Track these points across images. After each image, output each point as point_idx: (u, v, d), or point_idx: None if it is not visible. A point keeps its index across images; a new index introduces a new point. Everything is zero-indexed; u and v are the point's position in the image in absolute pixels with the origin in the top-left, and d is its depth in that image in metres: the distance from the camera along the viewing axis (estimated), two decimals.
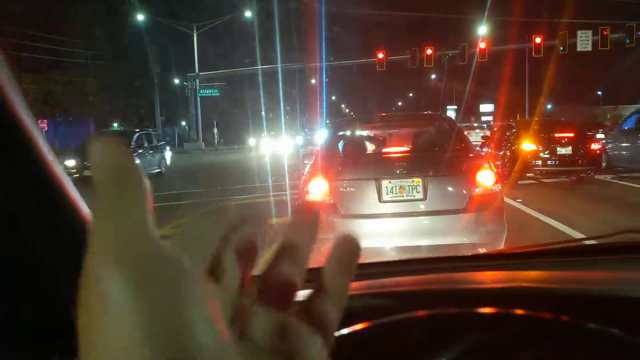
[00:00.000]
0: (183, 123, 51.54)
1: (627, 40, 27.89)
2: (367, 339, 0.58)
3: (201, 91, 39.77)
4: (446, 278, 1.04)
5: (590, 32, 28.22)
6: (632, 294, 0.82)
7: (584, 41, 28.19)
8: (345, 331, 0.57)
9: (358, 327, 0.58)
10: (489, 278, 1.07)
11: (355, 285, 1.01)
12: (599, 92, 69.99)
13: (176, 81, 43.20)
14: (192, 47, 39.23)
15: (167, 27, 39.12)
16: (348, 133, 5.82)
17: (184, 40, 39.66)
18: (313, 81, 38.17)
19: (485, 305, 0.62)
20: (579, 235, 5.61)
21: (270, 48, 41.73)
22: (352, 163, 5.04)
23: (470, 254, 1.33)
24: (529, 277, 1.10)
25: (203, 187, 13.49)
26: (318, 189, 4.57)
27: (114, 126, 50.97)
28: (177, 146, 45.33)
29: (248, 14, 38.49)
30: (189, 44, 39.39)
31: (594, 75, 56.15)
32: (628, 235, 1.34)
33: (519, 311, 0.59)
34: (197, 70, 39.52)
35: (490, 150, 14.03)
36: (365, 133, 6.09)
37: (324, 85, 36.38)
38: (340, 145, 5.70)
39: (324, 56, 31.42)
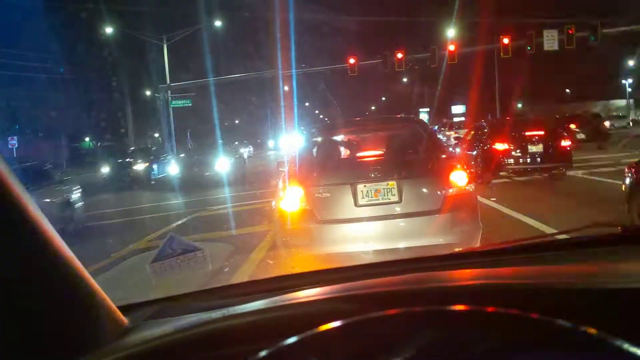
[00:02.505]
0: (156, 135, 51.03)
1: (592, 38, 28.49)
2: (332, 340, 0.58)
3: (173, 102, 39.42)
4: (419, 278, 1.05)
5: (556, 32, 28.74)
6: (598, 286, 0.84)
7: (550, 40, 28.71)
8: (312, 333, 0.58)
9: (323, 328, 0.58)
10: (461, 276, 1.09)
11: (327, 289, 1.01)
12: (567, 90, 71.45)
13: (147, 93, 42.81)
14: (163, 58, 38.92)
15: (136, 39, 38.75)
16: (322, 138, 5.83)
17: (155, 52, 39.34)
18: (286, 88, 38.16)
19: (453, 303, 0.62)
20: (551, 231, 5.70)
21: (241, 57, 41.61)
22: (327, 168, 5.05)
23: (444, 253, 1.34)
24: (500, 273, 1.12)
25: None
26: (294, 196, 4.57)
27: (85, 141, 50.34)
28: None
29: (218, 23, 38.35)
30: (160, 55, 39.08)
31: (562, 73, 57.25)
32: (594, 229, 1.37)
33: (489, 308, 0.60)
34: (168, 81, 39.19)
35: (463, 151, 14.20)
36: (339, 138, 6.10)
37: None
38: (315, 150, 5.71)
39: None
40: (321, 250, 4.48)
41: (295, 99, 34.67)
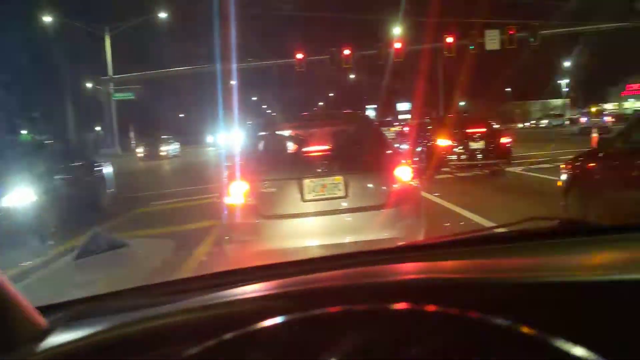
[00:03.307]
0: (98, 128, 49.56)
1: (532, 39, 29.59)
2: (262, 339, 0.57)
3: (115, 95, 38.31)
4: (361, 272, 1.04)
5: (497, 32, 29.68)
6: (537, 280, 0.86)
7: (492, 40, 29.63)
8: (238, 333, 0.56)
9: (253, 328, 0.56)
10: (402, 270, 1.09)
11: (264, 285, 0.99)
12: (508, 89, 73.92)
13: (89, 85, 41.47)
14: (106, 50, 37.75)
15: (79, 30, 37.46)
16: (268, 133, 5.79)
17: (98, 43, 38.14)
18: (233, 82, 37.70)
19: (393, 299, 0.62)
20: (492, 225, 5.87)
21: (187, 50, 40.89)
22: (274, 163, 5.02)
23: (386, 247, 1.35)
24: (440, 267, 1.13)
25: None
26: (238, 191, 4.52)
27: (22, 133, 48.17)
28: None
29: (163, 15, 37.47)
30: (103, 46, 37.90)
31: (503, 72, 59.05)
32: (531, 222, 1.42)
33: (428, 307, 0.59)
34: (110, 73, 38.06)
35: (408, 147, 14.47)
36: (286, 133, 6.08)
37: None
38: (261, 145, 5.67)
39: (231, 57, 30.99)
40: (267, 246, 4.45)
41: (235, 93, 34.07)
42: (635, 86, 68.95)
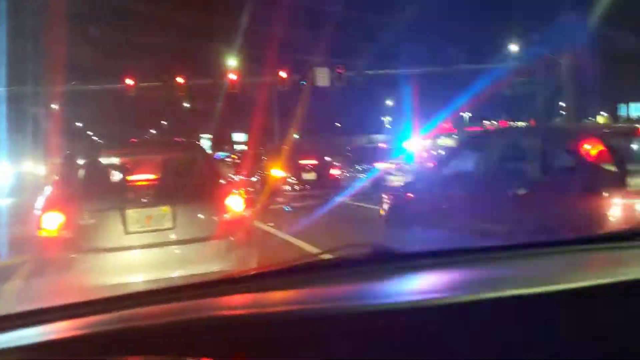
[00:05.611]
0: None
1: (359, 78, 31.69)
2: None
3: None
4: (168, 310, 0.97)
5: (326, 70, 31.26)
6: (337, 311, 0.85)
7: (322, 77, 31.12)
8: None
9: None
10: (211, 305, 1.04)
11: (40, 329, 0.87)
12: (338, 124, 78.25)
13: None
14: None
15: None
16: (90, 160, 5.40)
17: None
18: (55, 107, 34.87)
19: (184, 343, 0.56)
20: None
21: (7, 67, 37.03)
22: (94, 192, 4.68)
23: (206, 280, 1.29)
24: (253, 301, 1.09)
25: None
26: (53, 223, 4.12)
27: None
28: None
29: None
30: None
31: (334, 108, 62.33)
32: (349, 249, 1.45)
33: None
34: None
35: (243, 177, 14.53)
36: (110, 160, 5.72)
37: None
38: (82, 173, 5.26)
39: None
40: (84, 282, 4.10)
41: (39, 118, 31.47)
42: (447, 125, 77.17)
